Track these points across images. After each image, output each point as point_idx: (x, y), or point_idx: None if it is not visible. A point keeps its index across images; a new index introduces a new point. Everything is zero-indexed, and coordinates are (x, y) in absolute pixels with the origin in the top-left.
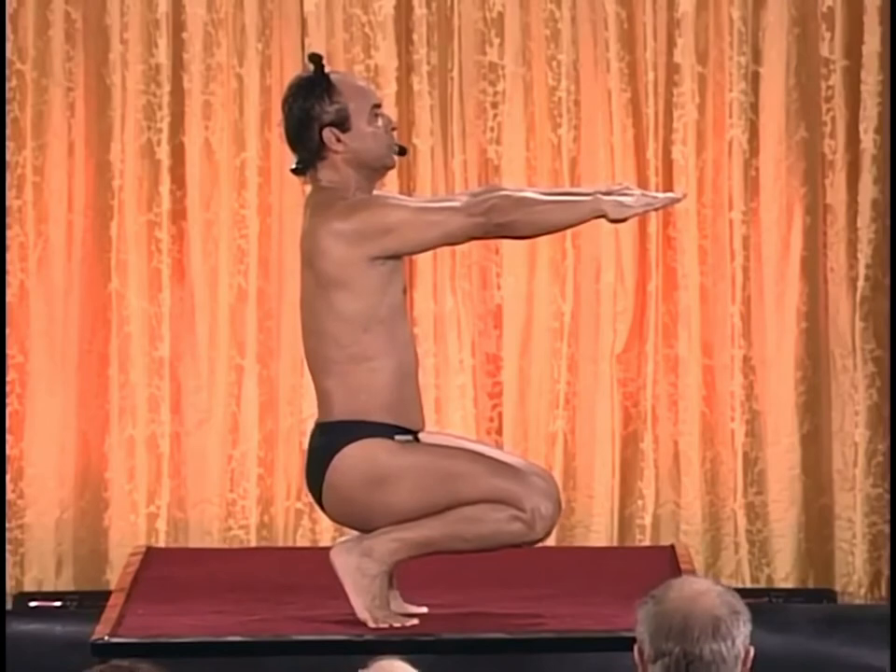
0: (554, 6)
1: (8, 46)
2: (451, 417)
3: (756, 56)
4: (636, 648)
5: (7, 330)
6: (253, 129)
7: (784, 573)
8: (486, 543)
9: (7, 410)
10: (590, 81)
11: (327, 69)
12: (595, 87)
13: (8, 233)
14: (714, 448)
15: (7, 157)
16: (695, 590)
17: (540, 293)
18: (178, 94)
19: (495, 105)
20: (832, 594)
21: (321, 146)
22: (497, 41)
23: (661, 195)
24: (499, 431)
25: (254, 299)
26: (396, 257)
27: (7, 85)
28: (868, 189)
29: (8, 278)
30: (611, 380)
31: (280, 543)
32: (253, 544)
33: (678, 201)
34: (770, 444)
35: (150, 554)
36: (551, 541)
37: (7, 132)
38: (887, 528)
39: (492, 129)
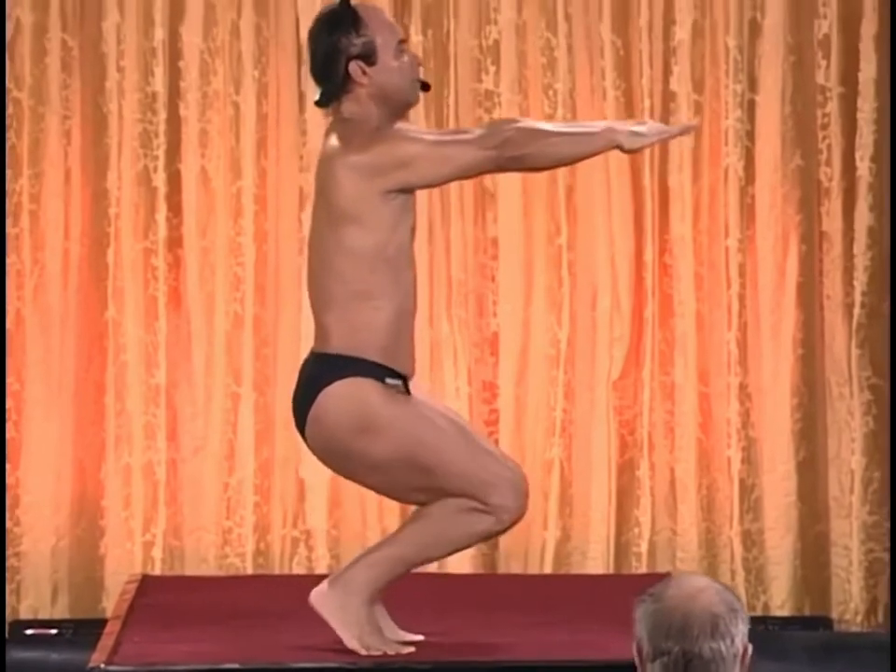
0: (550, 34)
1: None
2: None
3: (752, 84)
4: (634, 646)
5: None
6: (249, 156)
7: (780, 600)
8: (459, 546)
9: (4, 438)
10: (586, 109)
11: (353, 1)
12: (592, 115)
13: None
14: (710, 475)
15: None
16: (694, 587)
17: (537, 320)
18: (175, 122)
19: None
20: (828, 621)
21: (346, 78)
22: (493, 69)
23: (675, 126)
24: None
25: (250, 326)
26: (409, 191)
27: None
28: (864, 217)
29: (5, 306)
30: (608, 407)
31: (276, 571)
32: (249, 572)
33: (692, 129)
34: (766, 471)
35: (146, 582)
36: (547, 568)
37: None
38: (885, 556)
39: None
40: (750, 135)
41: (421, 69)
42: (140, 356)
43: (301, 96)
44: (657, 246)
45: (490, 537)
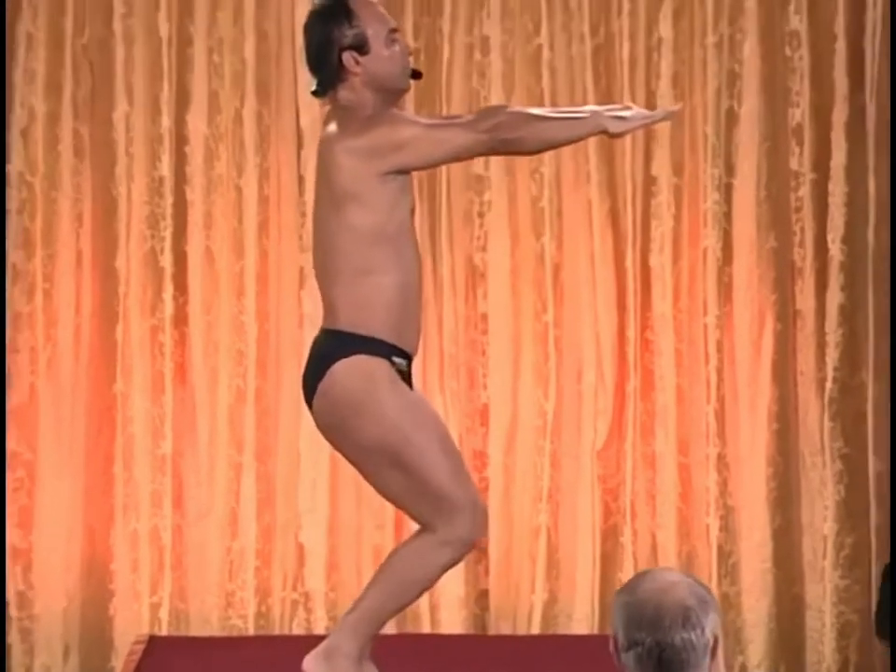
0: None
1: (20, 160)
2: None
3: (729, 169)
4: (611, 637)
5: (18, 429)
6: (252, 237)
7: (757, 660)
8: (427, 584)
9: (17, 504)
10: (571, 192)
11: None
12: (577, 198)
13: (19, 337)
14: (690, 542)
15: (19, 265)
16: (667, 581)
17: (525, 393)
18: (181, 205)
19: (481, 215)
20: None
21: (340, 68)
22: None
23: (659, 110)
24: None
25: (252, 399)
26: (406, 172)
27: (18, 196)
28: (835, 296)
29: (19, 380)
30: (592, 476)
31: (277, 632)
32: (251, 633)
33: (674, 114)
34: (743, 538)
35: (153, 643)
36: (535, 629)
37: (18, 240)
38: (855, 617)
39: (478, 237)
40: (728, 218)
41: (411, 58)
42: (147, 427)
43: (301, 180)
44: (639, 324)
45: (453, 566)
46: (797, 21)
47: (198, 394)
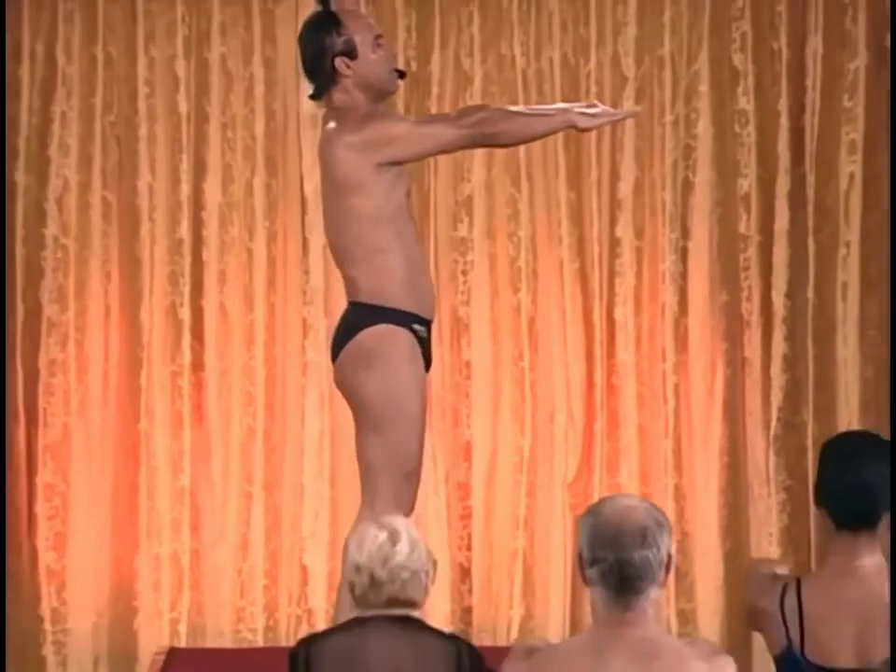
0: (515, 189)
1: (55, 224)
2: (429, 537)
3: (684, 232)
4: (577, 554)
5: (53, 463)
6: (261, 293)
7: None
8: None
9: (52, 531)
10: (545, 253)
11: (333, 7)
12: (550, 258)
13: (53, 382)
14: None
15: (53, 317)
16: (626, 505)
17: (504, 431)
18: (198, 264)
19: (465, 273)
20: None
21: (334, 73)
22: (466, 219)
23: (622, 109)
24: (469, 548)
25: (261, 437)
26: (399, 163)
27: (53, 256)
28: (779, 346)
29: (53, 419)
30: (564, 505)
31: (283, 644)
32: (260, 644)
33: (636, 113)
34: (698, 560)
35: (173, 654)
36: (514, 641)
37: (53, 296)
38: None
39: (462, 293)
40: (683, 276)
41: (396, 60)
42: (167, 462)
43: (305, 241)
44: (605, 370)
45: None
46: (745, 102)
47: (213, 432)
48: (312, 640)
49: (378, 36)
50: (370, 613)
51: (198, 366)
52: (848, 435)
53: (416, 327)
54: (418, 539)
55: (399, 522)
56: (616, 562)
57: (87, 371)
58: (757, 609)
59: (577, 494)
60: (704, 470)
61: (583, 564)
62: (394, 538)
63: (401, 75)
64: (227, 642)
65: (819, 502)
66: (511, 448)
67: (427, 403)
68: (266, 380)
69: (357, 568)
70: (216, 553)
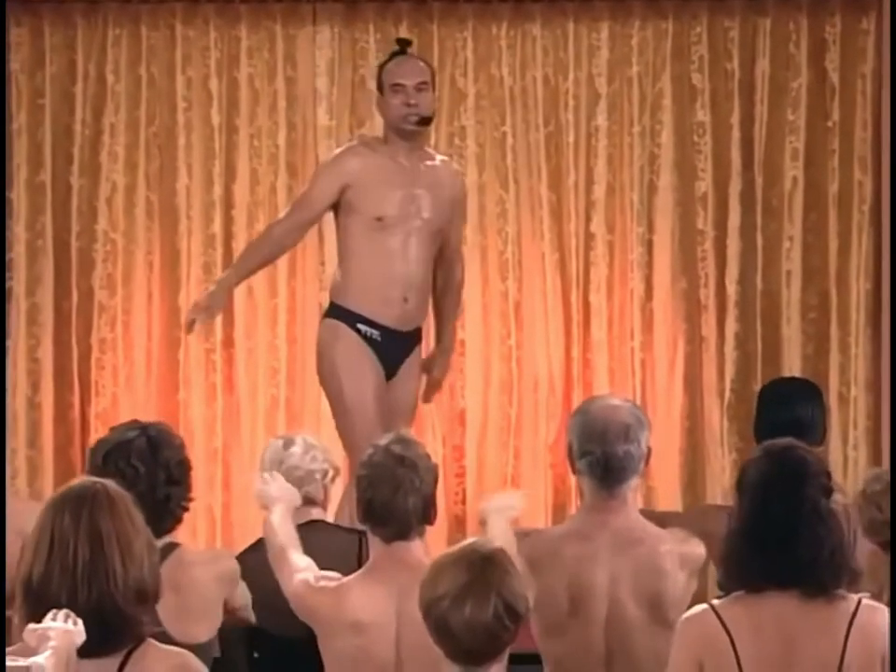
0: (503, 191)
1: (104, 220)
2: None
3: (650, 227)
4: (567, 446)
5: (103, 429)
6: (283, 280)
7: None
8: None
9: None
10: (529, 246)
11: (410, 51)
12: (533, 250)
13: (103, 357)
14: None
15: (103, 301)
16: (611, 405)
17: (493, 400)
18: (229, 256)
19: None
20: None
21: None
22: None
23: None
24: (463, 502)
25: (283, 405)
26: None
27: (104, 249)
28: (732, 326)
29: (104, 390)
30: (545, 464)
31: None
32: None
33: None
34: None
35: None
36: None
37: (103, 283)
38: None
39: None
40: (649, 265)
41: (413, 107)
42: (203, 426)
43: (321, 235)
44: (581, 347)
45: None
46: (702, 115)
47: (242, 401)
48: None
49: (396, 84)
50: None
51: (228, 343)
52: (782, 380)
53: (362, 327)
54: (314, 443)
55: (298, 433)
56: (602, 455)
57: (133, 348)
58: (707, 533)
59: (557, 455)
60: (666, 434)
61: (573, 456)
62: (288, 444)
63: (423, 122)
64: None
65: (757, 439)
66: (500, 414)
67: (367, 397)
68: (288, 356)
69: (262, 474)
70: (244, 505)
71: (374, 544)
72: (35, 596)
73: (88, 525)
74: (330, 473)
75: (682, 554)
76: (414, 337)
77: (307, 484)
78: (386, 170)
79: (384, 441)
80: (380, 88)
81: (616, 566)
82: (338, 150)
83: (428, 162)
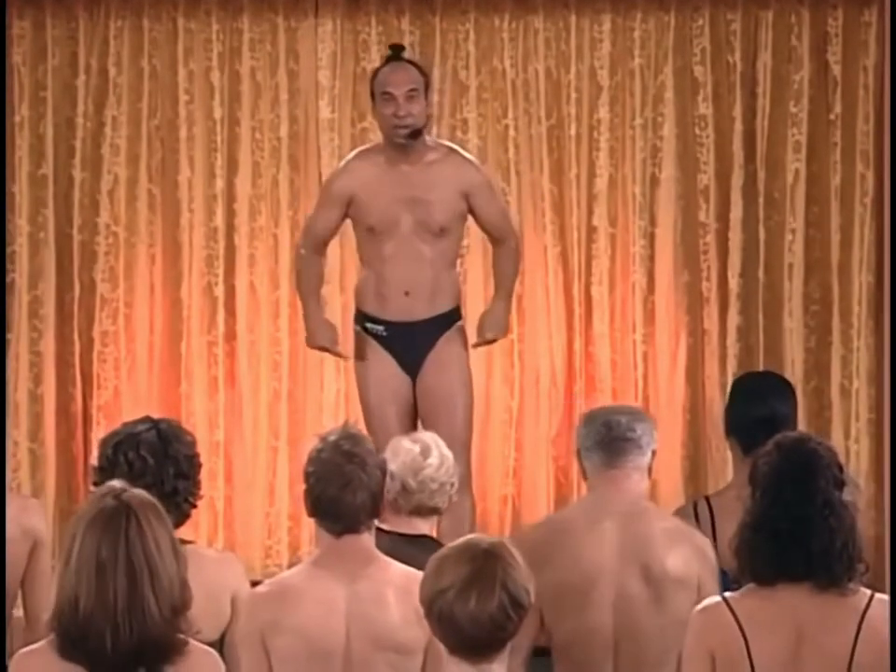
0: (505, 183)
1: (106, 213)
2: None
3: (652, 220)
4: (577, 451)
5: (106, 421)
6: (285, 274)
7: None
8: None
9: None
10: (531, 239)
11: (404, 55)
12: (535, 243)
13: (105, 350)
14: None
15: (105, 294)
16: (613, 409)
17: (495, 394)
18: (230, 249)
19: (461, 256)
20: None
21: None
22: None
23: None
24: None
25: (285, 398)
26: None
27: (106, 242)
28: (734, 319)
29: (106, 383)
30: (547, 458)
31: None
32: None
33: None
34: (663, 504)
35: None
36: None
37: (105, 276)
38: None
39: (459, 274)
40: (651, 258)
41: (401, 118)
42: (205, 419)
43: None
44: (584, 340)
45: None
46: (704, 108)
47: (244, 394)
48: None
49: (385, 93)
50: (385, 527)
51: (231, 336)
52: (755, 374)
53: (370, 325)
54: (447, 454)
55: (428, 437)
56: (608, 433)
57: (135, 340)
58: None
59: (558, 447)
60: (668, 427)
61: (581, 455)
62: (425, 452)
63: (413, 134)
64: (256, 576)
65: (729, 432)
66: (502, 407)
67: (385, 392)
68: (290, 349)
69: (391, 476)
70: (246, 498)
71: (323, 537)
72: (80, 630)
73: (125, 556)
74: (456, 484)
75: (685, 532)
76: (431, 326)
77: (438, 497)
78: (380, 181)
79: (332, 436)
80: (372, 95)
81: (623, 546)
82: (339, 165)
83: (431, 158)
